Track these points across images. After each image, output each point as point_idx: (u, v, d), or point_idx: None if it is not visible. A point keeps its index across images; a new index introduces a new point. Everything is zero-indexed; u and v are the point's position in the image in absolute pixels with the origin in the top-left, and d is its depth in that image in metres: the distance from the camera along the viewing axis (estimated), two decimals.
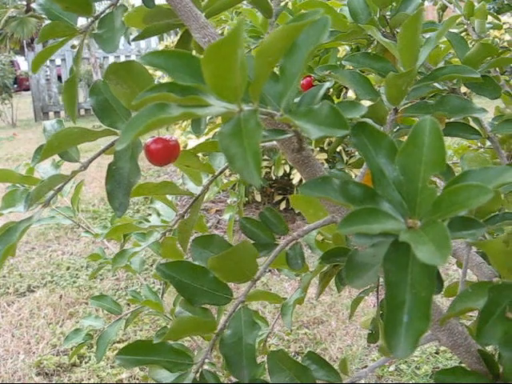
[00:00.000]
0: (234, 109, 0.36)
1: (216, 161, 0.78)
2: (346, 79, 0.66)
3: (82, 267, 3.39)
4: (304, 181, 0.56)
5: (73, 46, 0.54)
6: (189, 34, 0.59)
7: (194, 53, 0.66)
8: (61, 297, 2.98)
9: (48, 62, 10.55)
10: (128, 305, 2.17)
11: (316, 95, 0.50)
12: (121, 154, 0.54)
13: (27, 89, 12.50)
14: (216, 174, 0.77)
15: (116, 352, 2.40)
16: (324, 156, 3.59)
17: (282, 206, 3.92)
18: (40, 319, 2.75)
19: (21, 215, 0.62)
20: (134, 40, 0.62)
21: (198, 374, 0.58)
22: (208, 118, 0.61)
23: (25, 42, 13.26)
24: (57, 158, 0.69)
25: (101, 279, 3.17)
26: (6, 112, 10.10)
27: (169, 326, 1.42)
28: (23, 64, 15.89)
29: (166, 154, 0.57)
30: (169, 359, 0.60)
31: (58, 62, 10.68)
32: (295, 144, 0.54)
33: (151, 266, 3.13)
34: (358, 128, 0.44)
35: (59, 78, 10.88)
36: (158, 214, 0.97)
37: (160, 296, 1.32)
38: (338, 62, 1.06)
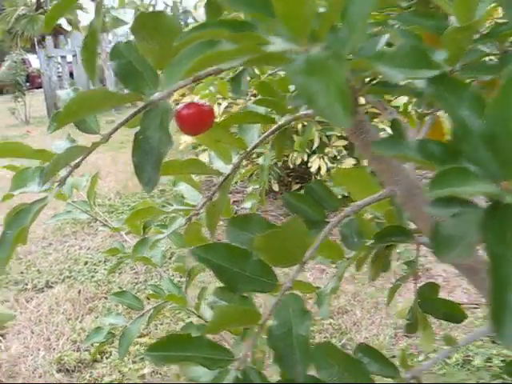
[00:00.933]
0: (299, 48, 0.29)
1: (248, 135, 0.70)
2: (398, 37, 0.58)
3: (99, 262, 3.35)
4: (359, 148, 0.49)
5: None
6: None
7: None
8: (79, 292, 2.95)
9: (59, 59, 10.54)
10: (148, 299, 2.12)
11: (375, 46, 0.43)
12: (149, 122, 0.47)
13: (39, 86, 12.48)
14: (248, 149, 0.69)
15: (137, 347, 2.36)
16: (343, 143, 3.51)
17: None
18: (59, 315, 2.71)
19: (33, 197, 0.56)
20: None
21: (240, 372, 0.52)
22: (246, 82, 0.54)
23: (35, 39, 13.27)
24: (72, 132, 0.62)
25: (119, 273, 3.13)
26: (19, 109, 10.10)
27: (193, 321, 1.36)
28: (34, 62, 15.92)
29: (199, 120, 0.50)
30: (206, 355, 0.53)
31: (70, 58, 10.67)
32: None
33: (170, 258, 3.08)
34: (436, 78, 0.37)
35: (71, 74, 10.87)
36: (182, 197, 0.90)
37: (184, 289, 1.26)
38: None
